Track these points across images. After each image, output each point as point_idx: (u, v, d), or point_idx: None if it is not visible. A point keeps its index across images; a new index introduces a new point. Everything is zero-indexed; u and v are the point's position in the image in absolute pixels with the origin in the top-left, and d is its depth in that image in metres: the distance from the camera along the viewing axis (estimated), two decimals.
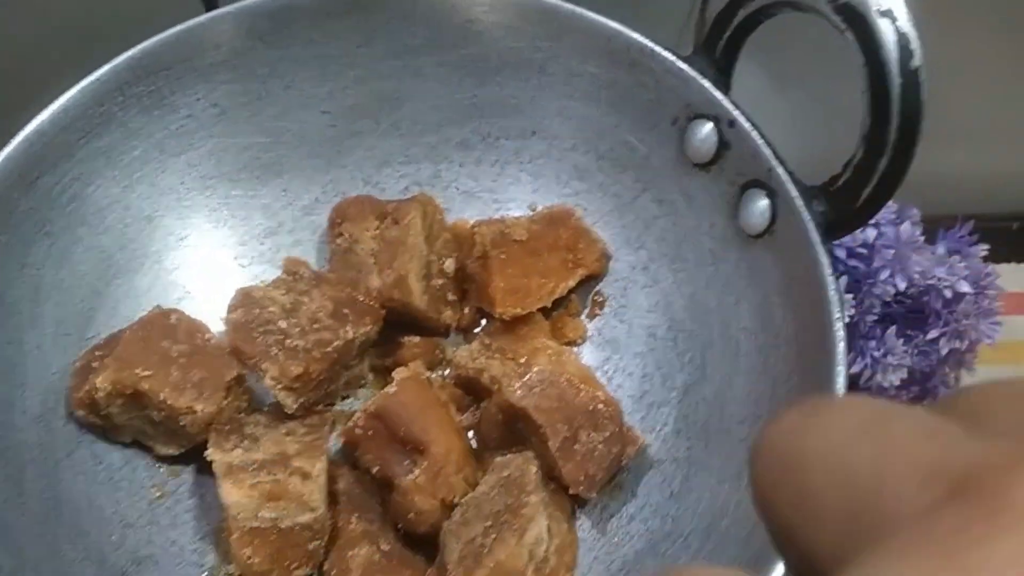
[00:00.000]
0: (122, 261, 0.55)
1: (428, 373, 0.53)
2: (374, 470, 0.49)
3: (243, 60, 0.56)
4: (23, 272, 0.50)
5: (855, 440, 0.16)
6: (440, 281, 0.57)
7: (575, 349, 0.56)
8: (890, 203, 0.62)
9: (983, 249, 0.64)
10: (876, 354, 0.62)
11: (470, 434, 0.53)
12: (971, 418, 0.16)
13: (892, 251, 0.61)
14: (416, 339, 0.56)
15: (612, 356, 0.56)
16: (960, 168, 0.76)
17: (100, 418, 0.50)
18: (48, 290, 0.51)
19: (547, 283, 0.55)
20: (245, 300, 0.52)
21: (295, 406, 0.50)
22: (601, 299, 0.58)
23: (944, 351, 0.62)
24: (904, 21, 0.42)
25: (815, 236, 0.46)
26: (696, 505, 0.48)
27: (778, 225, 0.49)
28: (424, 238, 0.56)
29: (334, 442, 0.53)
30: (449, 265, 0.57)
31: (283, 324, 0.50)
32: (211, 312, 0.57)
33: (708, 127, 0.52)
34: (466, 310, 0.58)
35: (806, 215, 0.47)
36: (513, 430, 0.50)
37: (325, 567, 0.48)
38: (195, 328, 0.52)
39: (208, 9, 0.55)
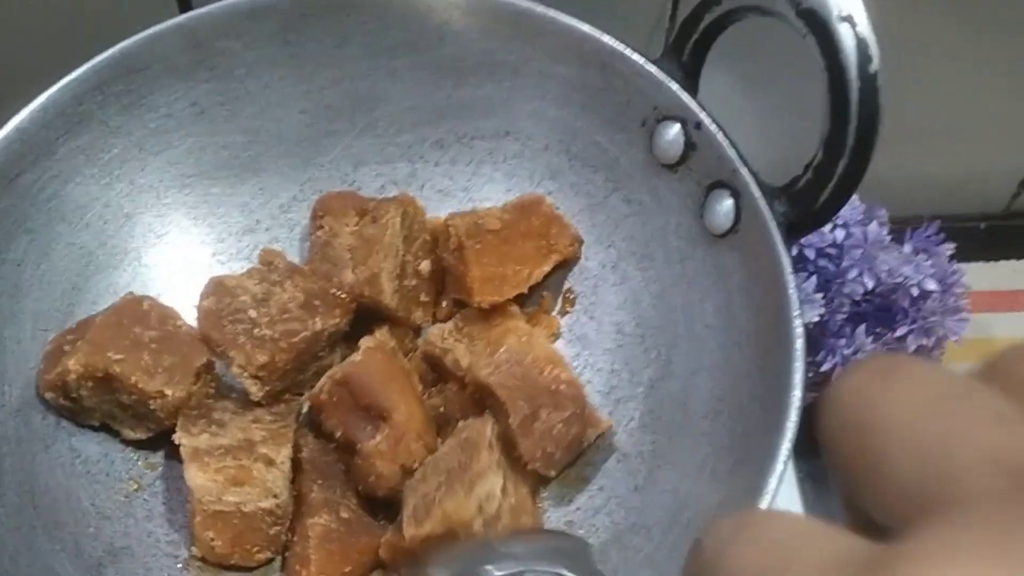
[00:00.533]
0: (101, 257, 0.56)
1: (392, 342, 0.54)
2: (337, 434, 0.51)
3: (221, 60, 0.57)
4: (2, 268, 0.51)
5: (928, 414, 0.17)
6: (414, 282, 0.58)
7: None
8: (858, 204, 0.64)
9: (949, 248, 0.65)
10: (846, 352, 0.64)
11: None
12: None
13: (860, 251, 0.62)
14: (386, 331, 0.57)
15: (582, 352, 0.57)
16: (927, 169, 0.78)
17: (69, 401, 0.51)
18: (28, 286, 0.52)
19: (523, 270, 0.56)
20: (217, 289, 0.53)
21: (260, 394, 0.51)
22: (572, 296, 0.59)
23: (912, 348, 0.63)
24: (863, 27, 0.43)
25: (777, 236, 0.47)
26: (660, 498, 0.49)
27: (742, 225, 0.50)
28: (403, 238, 0.57)
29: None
30: (425, 267, 0.58)
31: (253, 313, 0.51)
32: (189, 308, 0.58)
33: (676, 129, 0.53)
34: (444, 303, 0.59)
35: (768, 215, 0.48)
36: (477, 409, 0.52)
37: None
38: (167, 315, 0.53)
39: (183, 11, 0.56)
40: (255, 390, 0.51)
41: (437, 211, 0.61)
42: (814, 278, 0.63)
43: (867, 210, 0.64)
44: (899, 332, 0.63)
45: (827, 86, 0.45)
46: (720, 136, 0.51)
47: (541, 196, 0.58)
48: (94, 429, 0.52)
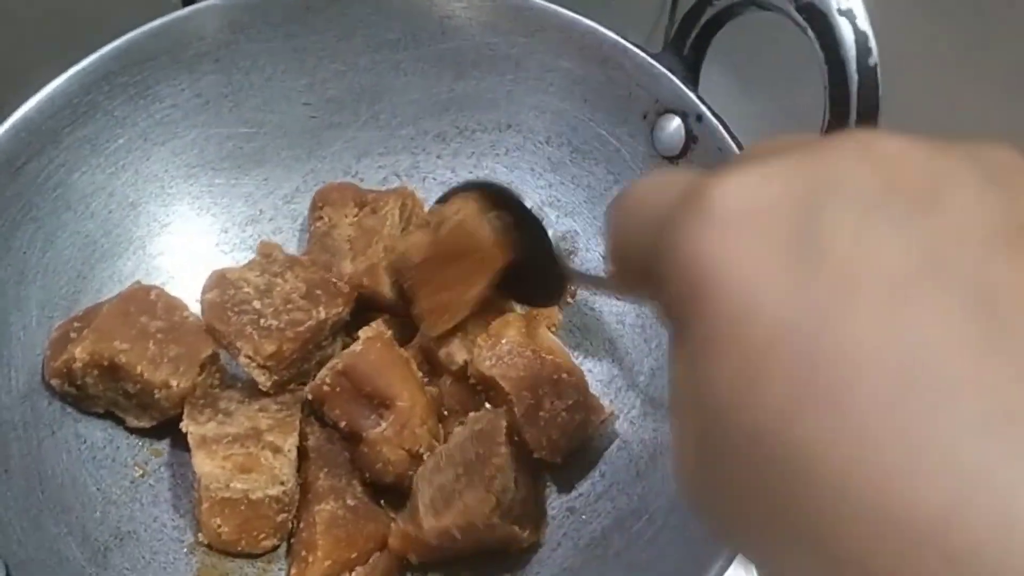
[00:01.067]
0: (106, 246, 0.56)
1: (389, 332, 0.54)
2: (342, 424, 0.51)
3: (226, 52, 0.58)
4: (9, 255, 0.51)
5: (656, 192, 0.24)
6: None
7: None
8: None
9: None
10: None
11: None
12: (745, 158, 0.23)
13: None
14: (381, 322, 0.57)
15: (583, 342, 0.58)
16: None
17: (75, 388, 0.51)
18: (33, 273, 0.53)
19: (468, 289, 0.53)
20: (220, 281, 0.53)
21: (269, 383, 0.51)
22: (573, 288, 0.59)
23: None
24: (862, 20, 0.44)
25: None
26: (661, 484, 0.50)
27: None
28: (401, 230, 0.57)
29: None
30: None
31: (257, 304, 0.52)
32: (193, 297, 0.58)
33: (677, 122, 0.54)
34: None
35: None
36: (473, 401, 0.53)
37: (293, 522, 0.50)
38: (174, 305, 0.53)
39: (185, 4, 0.57)
40: (263, 380, 0.51)
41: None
42: None
43: None
44: None
45: (826, 79, 0.46)
46: (721, 129, 0.51)
47: (454, 217, 0.53)
48: (99, 416, 0.53)
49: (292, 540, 0.51)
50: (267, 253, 0.56)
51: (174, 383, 0.50)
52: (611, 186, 0.58)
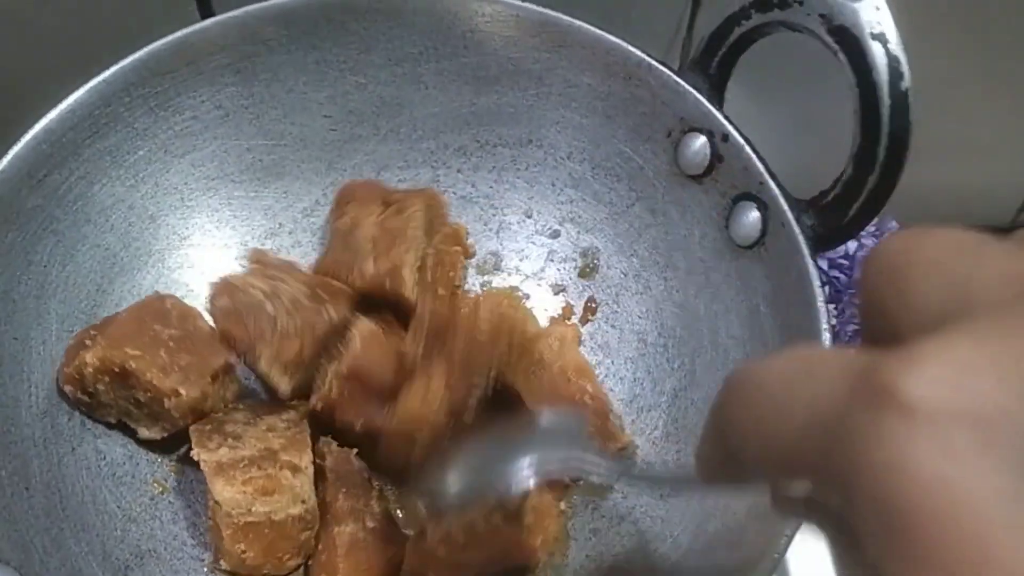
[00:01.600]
0: (126, 259, 0.56)
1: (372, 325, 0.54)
2: (357, 426, 0.51)
3: (246, 64, 0.58)
4: (29, 269, 0.51)
5: (954, 254, 0.20)
6: (433, 275, 0.58)
7: None
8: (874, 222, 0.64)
9: None
10: None
11: None
12: None
13: None
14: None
15: (604, 360, 0.57)
16: (934, 181, 0.78)
17: (87, 395, 0.50)
18: (53, 287, 0.52)
19: None
20: (228, 288, 0.53)
21: (289, 389, 0.51)
22: (594, 305, 0.59)
23: None
24: (895, 44, 0.44)
25: (804, 249, 0.48)
26: (685, 507, 0.49)
27: (768, 237, 0.50)
28: (424, 232, 0.57)
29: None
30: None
31: (269, 308, 0.51)
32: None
33: (701, 140, 0.53)
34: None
35: (796, 228, 0.48)
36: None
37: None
38: (188, 314, 0.53)
39: (204, 17, 0.56)
40: (284, 385, 0.51)
41: (459, 217, 0.61)
42: (826, 289, 0.63)
43: (879, 222, 0.65)
44: None
45: (858, 103, 0.45)
46: (747, 148, 0.51)
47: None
48: (110, 426, 0.52)
49: (310, 562, 0.50)
50: (259, 259, 0.56)
51: (183, 391, 0.50)
52: (633, 203, 0.58)
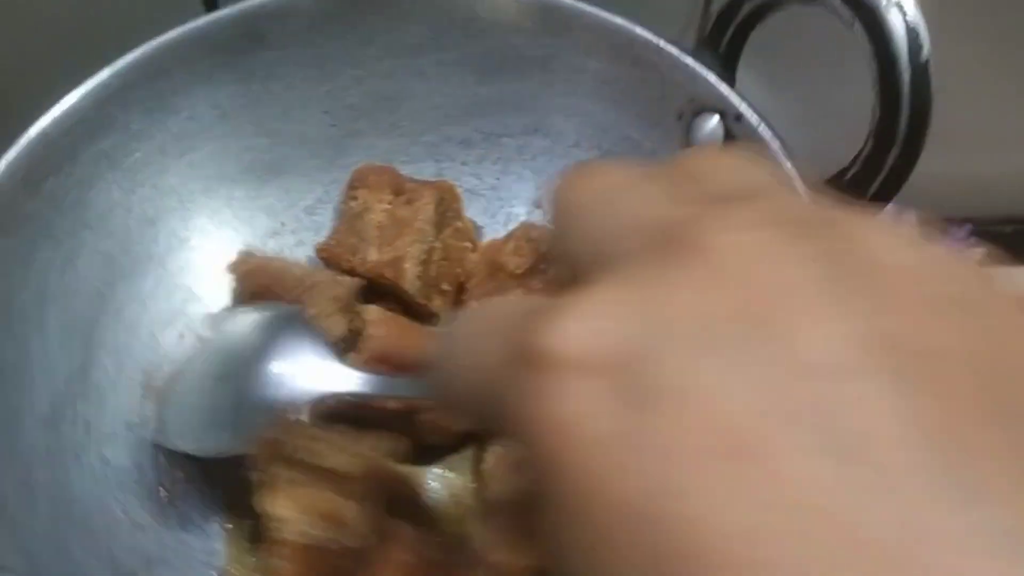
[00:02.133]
0: (125, 264, 0.54)
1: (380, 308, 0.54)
2: (391, 406, 0.50)
3: (243, 61, 0.56)
4: (29, 276, 0.50)
5: (611, 195, 0.22)
6: (438, 269, 0.57)
7: None
8: (889, 206, 0.62)
9: (981, 252, 0.63)
10: None
11: None
12: (690, 180, 0.21)
13: None
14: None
15: None
16: (953, 171, 0.77)
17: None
18: (53, 294, 0.51)
19: None
20: (250, 257, 0.54)
21: (343, 332, 0.51)
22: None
23: None
24: (913, 13, 0.43)
25: None
26: None
27: None
28: (434, 224, 0.56)
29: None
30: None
31: (297, 272, 0.53)
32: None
33: (714, 121, 0.52)
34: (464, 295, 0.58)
35: None
36: None
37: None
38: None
39: (209, 10, 0.55)
40: (336, 327, 0.51)
41: (465, 210, 0.60)
42: None
43: (897, 212, 0.63)
44: None
45: (876, 76, 0.44)
46: (762, 128, 0.50)
47: None
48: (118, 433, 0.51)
49: None
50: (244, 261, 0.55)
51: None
52: None
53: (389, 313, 0.52)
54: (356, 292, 0.54)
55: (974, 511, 0.15)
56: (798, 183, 0.45)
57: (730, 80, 0.52)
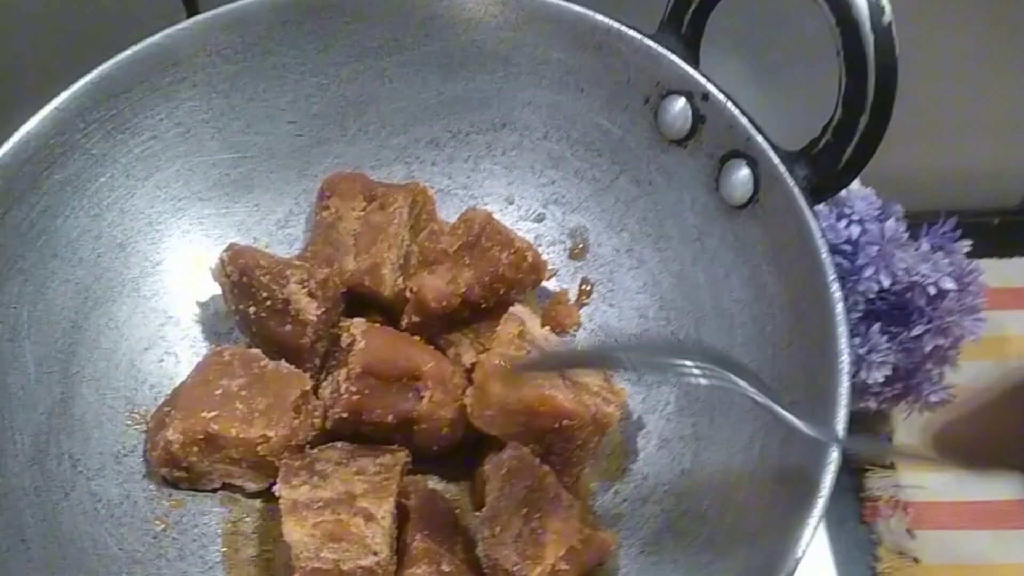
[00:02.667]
0: (99, 292, 0.53)
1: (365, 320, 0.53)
2: (388, 420, 0.49)
3: (202, 76, 0.55)
4: None
5: None
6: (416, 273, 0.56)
7: (569, 337, 0.56)
8: (874, 199, 0.62)
9: (966, 245, 0.63)
10: (860, 351, 0.61)
11: None
12: None
13: (877, 248, 0.59)
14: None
15: (606, 341, 0.56)
16: (941, 164, 0.77)
17: (184, 471, 0.50)
18: (26, 328, 0.50)
19: None
20: (241, 251, 0.53)
21: (317, 314, 0.51)
22: (588, 287, 0.57)
23: (928, 348, 0.61)
24: None
25: (801, 201, 0.46)
26: (709, 480, 0.48)
27: (762, 194, 0.49)
28: (408, 227, 0.55)
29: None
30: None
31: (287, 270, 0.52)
32: (196, 338, 0.56)
33: (681, 102, 0.52)
34: None
35: (790, 180, 0.47)
36: None
37: None
38: (250, 359, 0.51)
39: (190, 14, 0.54)
40: (312, 309, 0.51)
41: (439, 211, 0.59)
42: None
43: (883, 205, 0.62)
44: (915, 332, 0.60)
45: (840, 42, 0.44)
46: (730, 105, 0.49)
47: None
48: (110, 470, 0.50)
49: None
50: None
51: (271, 434, 0.49)
52: (617, 177, 0.56)
53: (375, 325, 0.52)
54: (339, 291, 0.53)
55: None
56: None
57: (694, 60, 0.51)
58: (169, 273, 0.56)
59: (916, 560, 0.65)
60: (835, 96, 0.45)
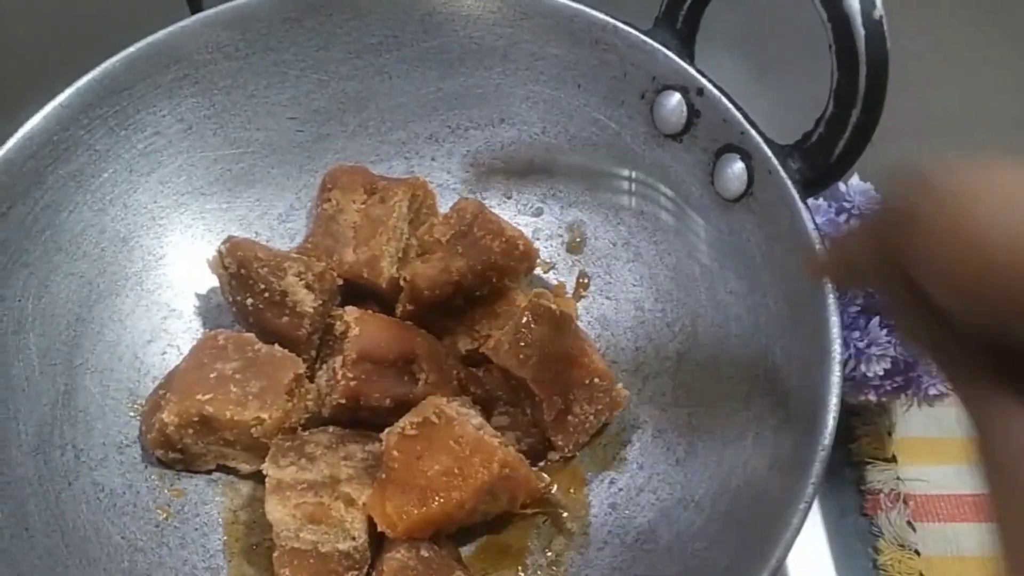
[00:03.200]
0: (102, 285, 0.54)
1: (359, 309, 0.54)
2: (385, 403, 0.50)
3: (204, 73, 0.56)
4: (3, 305, 0.49)
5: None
6: None
7: None
8: (873, 193, 0.62)
9: None
10: (860, 344, 0.61)
11: None
12: None
13: None
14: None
15: (603, 333, 0.56)
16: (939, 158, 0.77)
17: (178, 452, 0.51)
18: (30, 321, 0.50)
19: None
20: (241, 244, 0.53)
21: (314, 306, 0.52)
22: (585, 280, 0.58)
23: None
24: None
25: (794, 194, 0.47)
26: (703, 470, 0.48)
27: (755, 187, 0.49)
28: (408, 221, 0.56)
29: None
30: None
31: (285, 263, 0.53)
32: (198, 331, 0.56)
33: (676, 98, 0.52)
34: None
35: (783, 174, 0.47)
36: (516, 391, 0.52)
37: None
38: (244, 342, 0.52)
39: (193, 11, 0.55)
40: (309, 300, 0.52)
41: (439, 206, 0.60)
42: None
43: (879, 201, 0.62)
44: None
45: (832, 36, 0.44)
46: (724, 100, 0.50)
47: None
48: (107, 458, 0.51)
49: None
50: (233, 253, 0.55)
51: (265, 416, 0.50)
52: (613, 170, 0.57)
53: (369, 312, 0.52)
54: (337, 284, 0.54)
55: None
56: None
57: (689, 56, 0.52)
58: (172, 267, 0.57)
59: (917, 552, 0.65)
60: (827, 90, 0.46)
